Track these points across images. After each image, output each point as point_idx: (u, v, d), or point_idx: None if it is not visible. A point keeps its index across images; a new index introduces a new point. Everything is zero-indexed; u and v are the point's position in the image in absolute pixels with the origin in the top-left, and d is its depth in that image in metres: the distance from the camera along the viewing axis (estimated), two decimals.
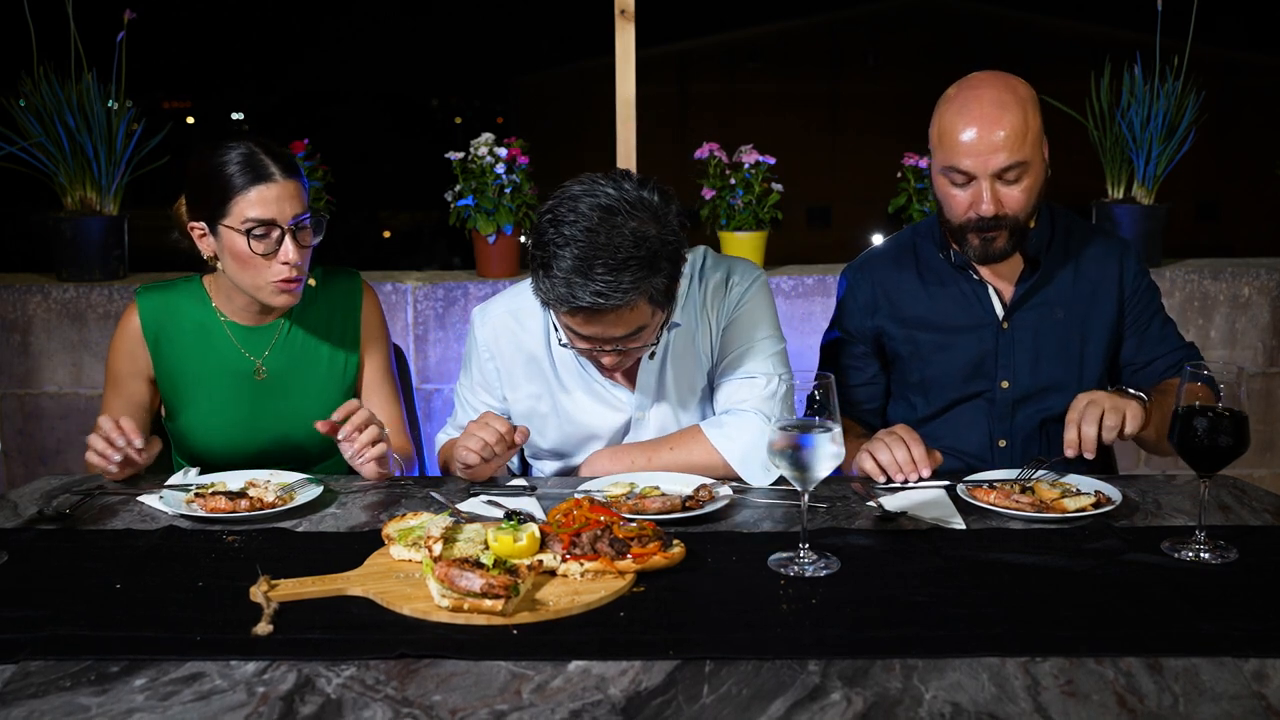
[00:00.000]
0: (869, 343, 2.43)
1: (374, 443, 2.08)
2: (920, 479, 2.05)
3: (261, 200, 2.11)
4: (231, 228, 2.12)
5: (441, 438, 2.39)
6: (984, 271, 2.34)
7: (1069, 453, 2.07)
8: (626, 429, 2.24)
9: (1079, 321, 2.34)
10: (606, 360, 2.05)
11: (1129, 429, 2.08)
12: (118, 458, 2.02)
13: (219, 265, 2.21)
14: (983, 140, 2.16)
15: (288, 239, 2.13)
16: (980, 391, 2.36)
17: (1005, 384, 2.35)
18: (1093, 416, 2.05)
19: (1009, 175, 2.18)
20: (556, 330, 2.14)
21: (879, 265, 2.43)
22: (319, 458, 2.34)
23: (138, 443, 2.02)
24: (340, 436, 2.08)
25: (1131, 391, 2.23)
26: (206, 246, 2.20)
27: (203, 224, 2.17)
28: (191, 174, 2.18)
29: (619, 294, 1.86)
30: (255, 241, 2.11)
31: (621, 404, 2.22)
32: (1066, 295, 2.34)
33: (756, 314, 2.20)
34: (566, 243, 1.87)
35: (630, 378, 2.21)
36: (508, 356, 2.25)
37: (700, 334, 2.21)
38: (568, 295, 1.88)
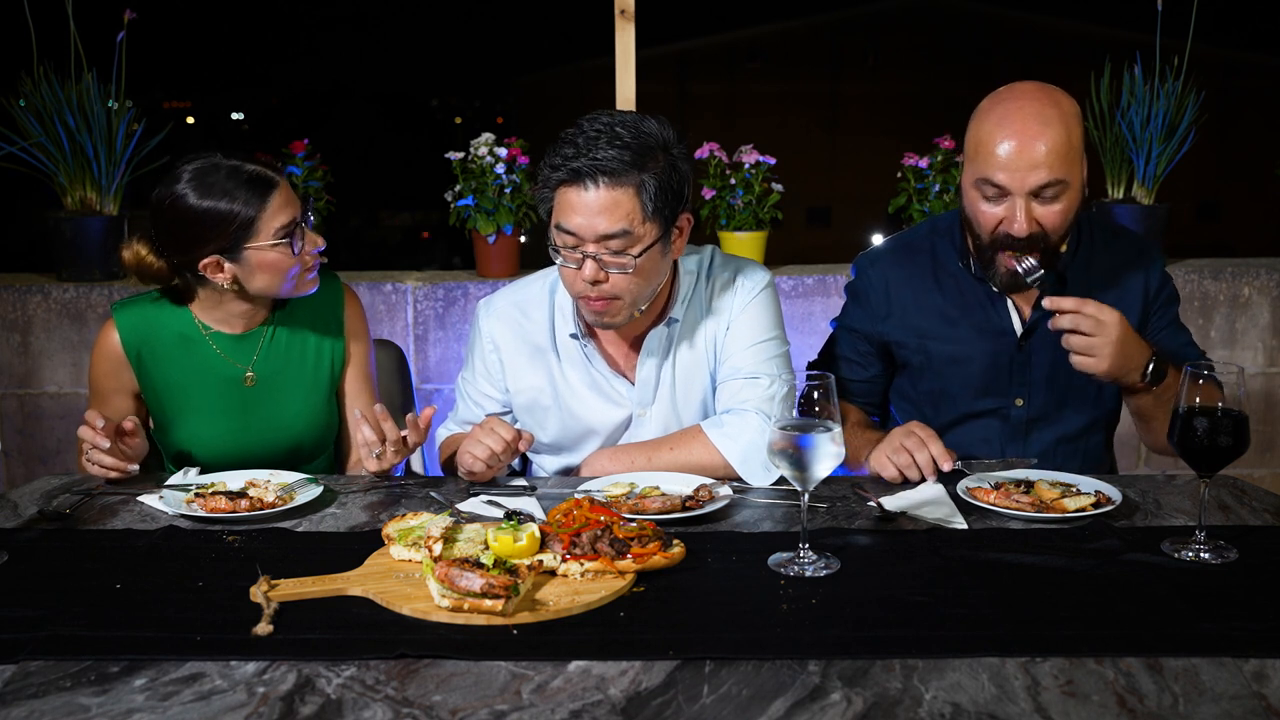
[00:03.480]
0: (874, 344, 2.38)
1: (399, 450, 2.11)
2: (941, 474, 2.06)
3: (282, 207, 2.14)
4: (261, 246, 2.13)
5: (443, 432, 2.39)
6: None
7: (1045, 303, 2.05)
8: (627, 425, 2.24)
9: None
10: (587, 273, 2.01)
11: (1083, 368, 2.05)
12: (108, 460, 2.06)
13: (233, 286, 2.18)
14: (1022, 155, 2.04)
15: (308, 228, 2.20)
16: (993, 409, 2.30)
17: (1019, 402, 2.29)
18: (1087, 327, 2.02)
19: (1046, 193, 2.07)
20: (565, 332, 2.16)
21: (894, 264, 2.34)
22: (309, 459, 2.35)
23: (103, 443, 2.04)
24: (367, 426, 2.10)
25: (1155, 366, 2.11)
26: (224, 276, 2.16)
27: (218, 257, 2.14)
28: (180, 219, 2.11)
29: (613, 164, 1.96)
30: (293, 244, 2.15)
31: (623, 398, 2.22)
32: None
33: (762, 316, 2.20)
34: (582, 131, 2.01)
35: (637, 352, 2.21)
36: (512, 347, 2.25)
37: (705, 332, 2.21)
38: (572, 156, 1.97)
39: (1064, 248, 2.20)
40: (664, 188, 2.00)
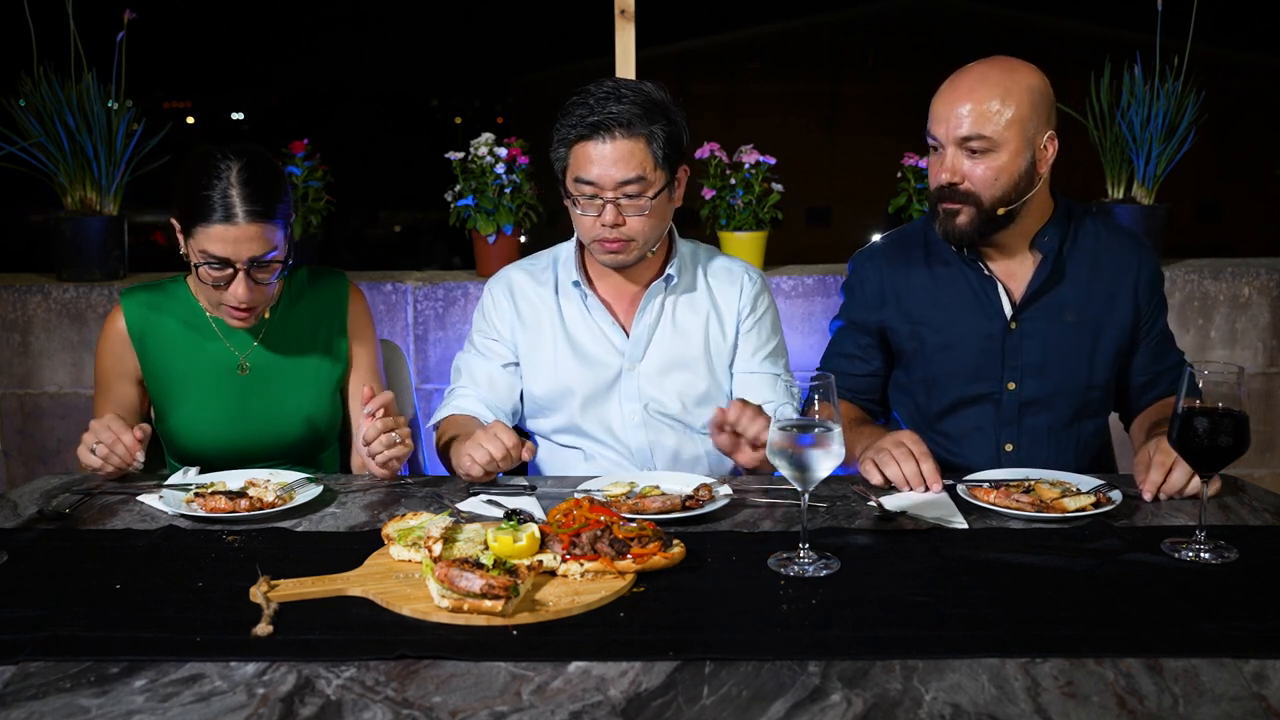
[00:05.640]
0: (874, 335, 2.40)
1: (390, 445, 2.06)
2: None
3: (220, 239, 2.09)
4: (193, 249, 2.14)
5: (437, 417, 2.38)
6: (994, 267, 2.29)
7: (1146, 494, 1.97)
8: (616, 380, 2.34)
9: (1091, 324, 2.29)
10: (607, 217, 2.19)
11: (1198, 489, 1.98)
12: (119, 457, 2.03)
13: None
14: (951, 107, 2.18)
15: (239, 278, 2.12)
16: (986, 393, 2.32)
17: (1012, 386, 2.30)
18: (1185, 471, 1.94)
19: (973, 145, 2.17)
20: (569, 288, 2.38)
21: (888, 256, 2.39)
22: (309, 455, 2.35)
23: (126, 439, 2.01)
24: (366, 410, 2.05)
25: None
26: (181, 243, 2.20)
27: (180, 224, 2.18)
28: (181, 175, 2.17)
29: (628, 117, 2.17)
30: (208, 271, 2.13)
31: (616, 349, 2.34)
32: (1081, 296, 2.28)
33: (773, 315, 2.44)
34: (591, 94, 2.21)
35: (634, 309, 2.35)
36: (522, 293, 2.41)
37: (702, 310, 2.37)
38: (586, 114, 2.17)
39: (1002, 211, 2.21)
40: (670, 138, 2.21)
